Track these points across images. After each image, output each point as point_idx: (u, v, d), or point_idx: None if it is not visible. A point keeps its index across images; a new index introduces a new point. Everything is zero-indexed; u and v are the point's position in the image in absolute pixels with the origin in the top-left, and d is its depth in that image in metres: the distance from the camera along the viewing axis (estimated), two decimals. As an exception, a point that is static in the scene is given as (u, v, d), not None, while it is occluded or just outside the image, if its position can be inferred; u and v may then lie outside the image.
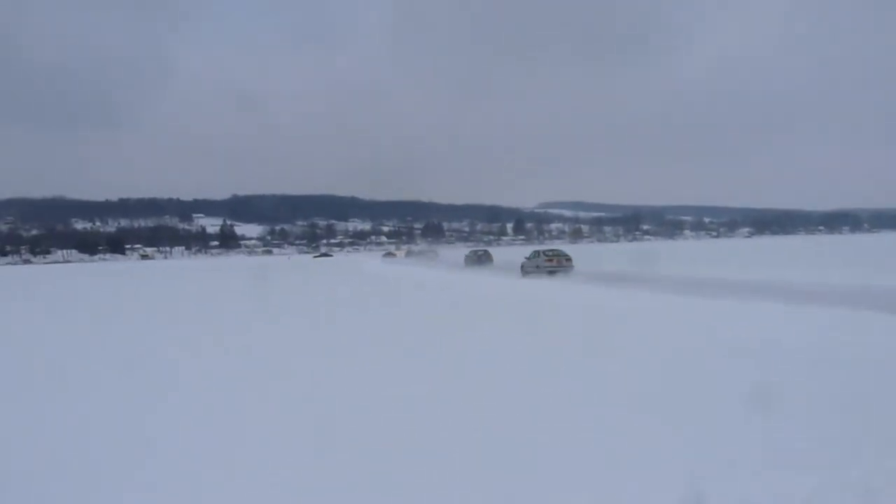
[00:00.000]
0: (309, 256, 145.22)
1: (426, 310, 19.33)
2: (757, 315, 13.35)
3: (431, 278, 36.98)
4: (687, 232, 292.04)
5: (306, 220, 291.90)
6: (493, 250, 55.06)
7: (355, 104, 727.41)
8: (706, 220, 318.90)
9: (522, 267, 34.12)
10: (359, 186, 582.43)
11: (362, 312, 19.02)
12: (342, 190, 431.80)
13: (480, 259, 48.55)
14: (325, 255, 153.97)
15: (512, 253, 66.22)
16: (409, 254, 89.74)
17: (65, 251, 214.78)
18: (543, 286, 25.19)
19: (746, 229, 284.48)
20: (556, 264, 31.84)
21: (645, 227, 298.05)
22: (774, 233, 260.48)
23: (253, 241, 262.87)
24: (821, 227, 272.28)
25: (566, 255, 32.94)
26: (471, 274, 38.16)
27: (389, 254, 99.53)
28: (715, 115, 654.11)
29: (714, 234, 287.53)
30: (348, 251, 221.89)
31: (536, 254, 33.98)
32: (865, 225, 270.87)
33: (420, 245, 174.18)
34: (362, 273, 48.36)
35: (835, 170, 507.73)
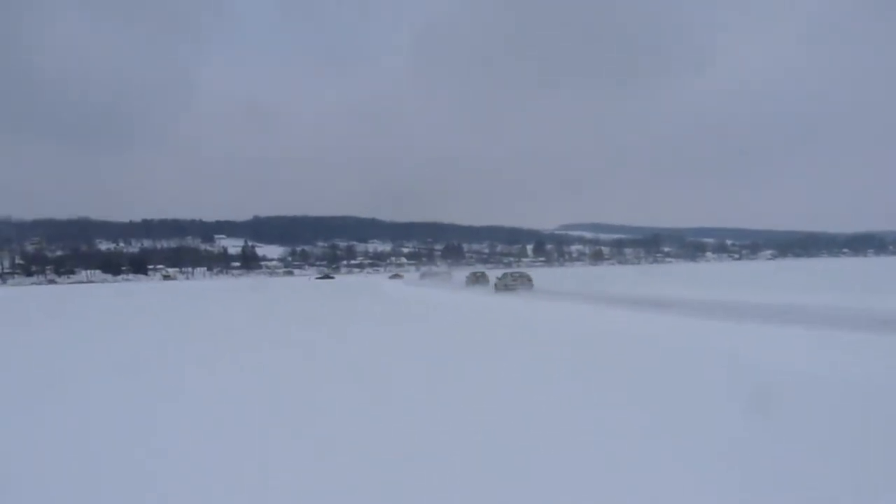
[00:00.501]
0: (332, 279, 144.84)
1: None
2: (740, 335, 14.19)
3: (427, 297, 42.87)
4: (709, 254, 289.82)
5: (327, 241, 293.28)
6: (510, 272, 57.89)
7: (376, 125, 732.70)
8: (728, 242, 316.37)
9: (495, 285, 43.94)
10: (379, 208, 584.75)
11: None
12: (363, 211, 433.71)
13: (478, 279, 58.94)
14: (328, 276, 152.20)
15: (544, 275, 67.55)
16: (424, 275, 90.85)
17: (89, 271, 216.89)
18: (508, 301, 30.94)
19: (769, 252, 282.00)
20: (517, 283, 42.65)
21: (666, 249, 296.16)
22: (798, 255, 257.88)
23: (274, 262, 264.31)
24: (845, 250, 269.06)
25: (527, 276, 44.29)
26: (465, 292, 44.32)
27: (396, 275, 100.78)
28: (736, 135, 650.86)
29: (736, 256, 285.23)
30: (368, 272, 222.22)
31: (505, 275, 44.55)
32: (891, 247, 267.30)
33: (437, 266, 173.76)
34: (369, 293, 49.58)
35: (859, 191, 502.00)
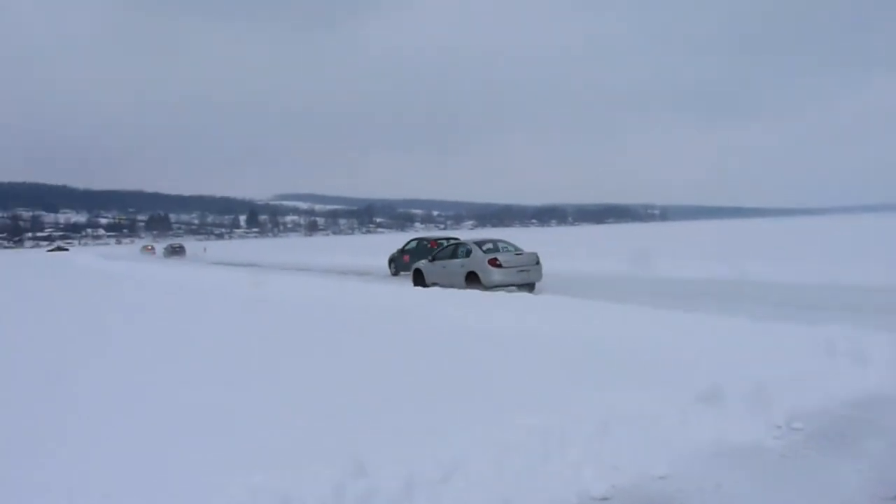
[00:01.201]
0: (16, 253, 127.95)
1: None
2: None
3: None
4: (417, 224, 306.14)
5: (7, 212, 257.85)
6: (224, 243, 58.69)
7: (69, 82, 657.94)
8: (435, 213, 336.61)
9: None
10: (72, 174, 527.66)
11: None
12: (51, 177, 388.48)
13: (175, 251, 63.89)
14: (62, 248, 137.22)
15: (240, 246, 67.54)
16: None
17: None
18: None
19: (471, 222, 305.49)
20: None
21: (378, 219, 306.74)
22: (495, 225, 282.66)
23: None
24: (533, 221, 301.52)
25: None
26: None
27: (147, 248, 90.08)
28: (443, 109, 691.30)
29: (442, 226, 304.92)
30: (59, 245, 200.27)
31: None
32: (570, 218, 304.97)
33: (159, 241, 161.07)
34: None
35: (546, 167, 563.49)
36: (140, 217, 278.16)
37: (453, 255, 18.54)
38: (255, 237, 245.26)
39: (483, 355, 8.08)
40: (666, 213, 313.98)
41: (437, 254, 19.62)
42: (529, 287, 16.99)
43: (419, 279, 19.46)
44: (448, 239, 23.87)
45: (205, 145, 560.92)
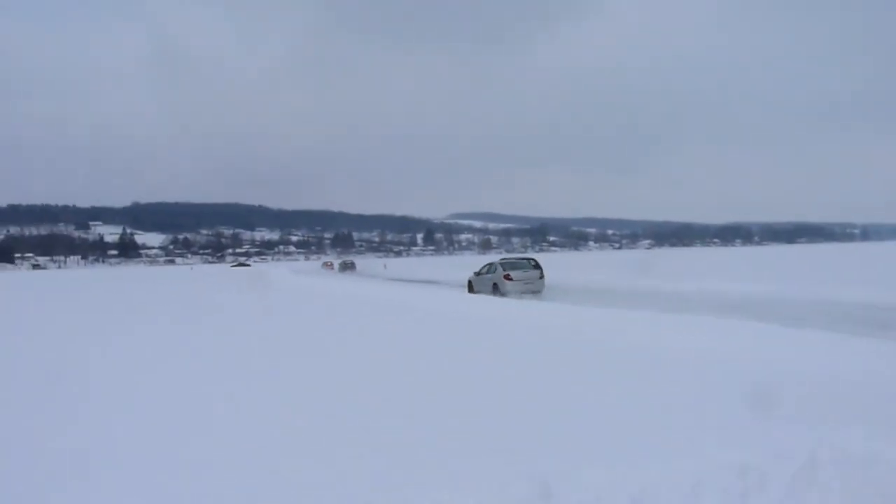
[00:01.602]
0: (216, 267, 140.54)
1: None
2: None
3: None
4: (591, 243, 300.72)
5: (211, 229, 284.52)
6: (401, 261, 61.04)
7: (263, 112, 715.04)
8: (610, 232, 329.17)
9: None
10: (266, 195, 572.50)
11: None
12: (249, 198, 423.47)
13: (347, 267, 67.16)
14: (243, 264, 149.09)
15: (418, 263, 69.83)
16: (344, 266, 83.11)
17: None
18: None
19: (647, 241, 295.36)
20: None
21: (552, 238, 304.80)
22: (673, 245, 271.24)
23: (155, 251, 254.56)
24: (715, 240, 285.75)
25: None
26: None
27: (327, 264, 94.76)
28: (618, 128, 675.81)
29: (617, 245, 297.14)
30: (255, 261, 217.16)
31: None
32: (756, 238, 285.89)
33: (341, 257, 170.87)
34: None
35: (729, 184, 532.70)
36: (326, 235, 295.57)
37: (488, 272, 25.08)
38: (432, 254, 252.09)
39: (668, 380, 7.54)
40: (867, 233, 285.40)
41: (480, 270, 26.22)
42: (535, 294, 22.57)
43: (470, 289, 26.39)
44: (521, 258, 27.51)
45: (385, 167, 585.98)
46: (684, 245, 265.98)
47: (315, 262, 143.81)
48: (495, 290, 23.50)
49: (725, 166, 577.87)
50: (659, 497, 4.04)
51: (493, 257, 40.26)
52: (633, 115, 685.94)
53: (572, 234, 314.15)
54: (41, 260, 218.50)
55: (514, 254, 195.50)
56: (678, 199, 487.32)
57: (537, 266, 24.16)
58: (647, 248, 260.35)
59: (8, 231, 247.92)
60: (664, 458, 4.52)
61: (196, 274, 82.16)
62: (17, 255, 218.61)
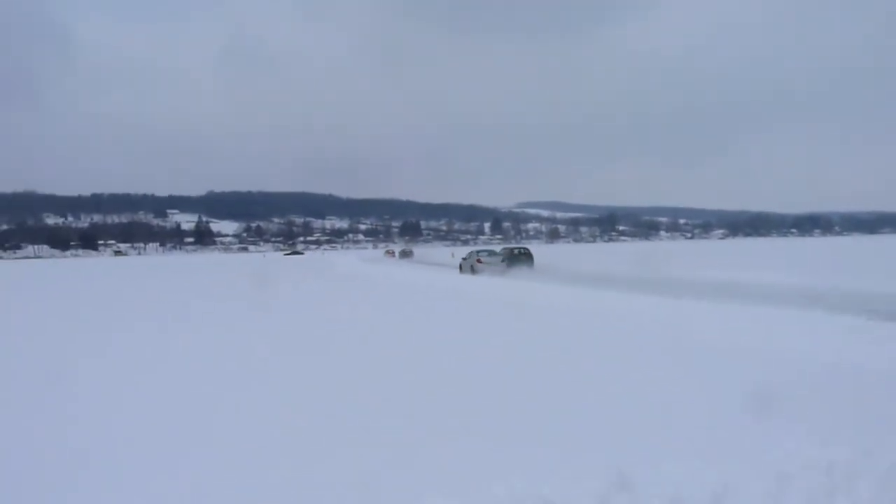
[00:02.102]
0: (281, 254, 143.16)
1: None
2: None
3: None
4: (662, 233, 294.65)
5: (283, 218, 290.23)
6: (468, 249, 58.45)
7: (333, 102, 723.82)
8: (681, 221, 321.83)
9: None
10: (336, 184, 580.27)
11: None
12: (319, 187, 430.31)
13: (406, 254, 65.93)
14: (296, 252, 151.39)
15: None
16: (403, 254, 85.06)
17: (36, 246, 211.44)
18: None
19: (721, 231, 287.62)
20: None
21: (621, 227, 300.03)
22: (748, 235, 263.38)
23: (229, 238, 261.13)
24: (793, 230, 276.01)
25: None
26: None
27: (388, 252, 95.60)
28: (690, 115, 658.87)
29: (689, 235, 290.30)
30: (325, 249, 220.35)
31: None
32: (836, 228, 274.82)
33: (404, 244, 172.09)
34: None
35: (807, 172, 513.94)
36: (394, 223, 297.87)
37: (468, 258, 35.59)
38: (499, 243, 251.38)
39: (751, 374, 7.19)
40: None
41: (466, 255, 37.30)
42: (502, 274, 29.34)
43: (460, 270, 35.71)
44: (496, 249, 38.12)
45: (453, 155, 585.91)
46: (759, 235, 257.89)
47: (381, 250, 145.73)
48: (472, 270, 33.32)
49: (804, 154, 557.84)
50: (741, 493, 3.92)
51: (562, 247, 42.11)
52: (707, 102, 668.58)
53: (642, 224, 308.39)
54: (122, 247, 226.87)
55: (590, 241, 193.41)
56: (753, 188, 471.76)
57: (528, 254, 32.97)
58: (721, 238, 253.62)
59: (92, 219, 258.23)
60: (747, 453, 4.45)
61: (271, 261, 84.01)
62: (101, 242, 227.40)
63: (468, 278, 28.55)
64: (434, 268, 42.85)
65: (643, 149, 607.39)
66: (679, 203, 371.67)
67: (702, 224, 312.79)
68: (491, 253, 35.36)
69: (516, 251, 34.15)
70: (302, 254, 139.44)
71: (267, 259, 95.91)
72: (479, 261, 33.48)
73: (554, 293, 17.54)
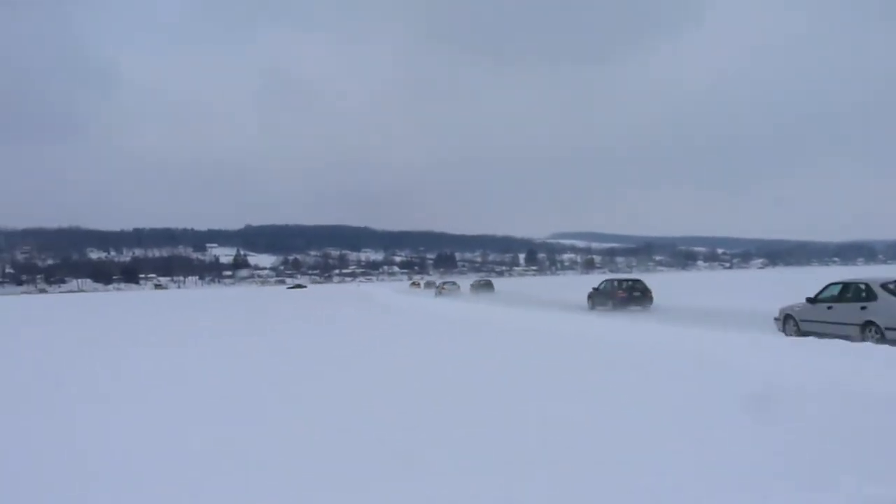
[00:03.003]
0: (324, 287, 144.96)
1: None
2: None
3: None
4: (700, 263, 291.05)
5: (319, 250, 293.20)
6: (504, 280, 58.63)
7: (366, 134, 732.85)
8: (719, 251, 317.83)
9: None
10: (371, 216, 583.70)
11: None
12: (355, 220, 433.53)
13: (430, 285, 65.97)
14: (299, 286, 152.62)
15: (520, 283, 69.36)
16: (427, 285, 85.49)
17: (79, 280, 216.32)
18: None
19: (760, 260, 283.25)
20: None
21: (657, 257, 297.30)
22: (788, 264, 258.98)
23: (266, 271, 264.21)
24: (836, 259, 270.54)
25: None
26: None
27: (414, 284, 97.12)
28: (725, 144, 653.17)
29: (727, 265, 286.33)
30: (360, 281, 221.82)
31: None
32: (880, 256, 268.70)
33: (434, 276, 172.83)
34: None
35: (850, 200, 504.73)
36: (429, 255, 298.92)
37: (431, 285, 58.05)
38: (534, 275, 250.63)
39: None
40: None
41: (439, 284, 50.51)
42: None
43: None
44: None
45: (487, 187, 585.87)
46: (800, 265, 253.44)
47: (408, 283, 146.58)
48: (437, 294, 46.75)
49: (845, 181, 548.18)
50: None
51: (597, 277, 41.59)
52: (743, 130, 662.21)
53: (679, 254, 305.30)
54: (162, 280, 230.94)
55: (627, 272, 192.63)
56: (793, 216, 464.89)
57: (488, 284, 49.59)
58: (760, 268, 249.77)
59: (133, 253, 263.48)
60: (792, 491, 4.44)
61: (308, 293, 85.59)
62: (142, 275, 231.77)
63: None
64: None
65: (679, 177, 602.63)
66: (716, 232, 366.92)
67: (740, 253, 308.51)
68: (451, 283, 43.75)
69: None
70: (305, 287, 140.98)
71: (286, 291, 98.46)
72: (442, 287, 49.47)
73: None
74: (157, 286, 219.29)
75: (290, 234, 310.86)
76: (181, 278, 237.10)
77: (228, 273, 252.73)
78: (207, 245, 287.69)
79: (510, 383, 9.83)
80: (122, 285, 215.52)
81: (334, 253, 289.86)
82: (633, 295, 27.09)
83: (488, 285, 56.79)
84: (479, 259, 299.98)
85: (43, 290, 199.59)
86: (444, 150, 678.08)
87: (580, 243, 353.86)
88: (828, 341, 11.68)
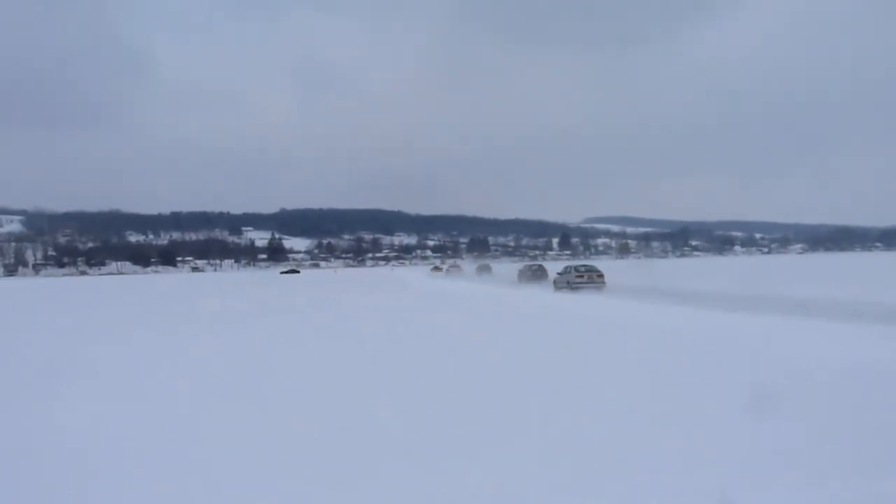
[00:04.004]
0: (357, 270, 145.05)
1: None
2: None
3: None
4: (737, 248, 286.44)
5: (353, 234, 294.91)
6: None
7: (400, 118, 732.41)
8: (757, 236, 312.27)
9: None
10: (405, 200, 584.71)
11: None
12: (388, 204, 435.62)
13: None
14: (293, 270, 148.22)
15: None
16: (451, 268, 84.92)
17: (119, 263, 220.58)
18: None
19: (799, 246, 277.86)
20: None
21: (694, 242, 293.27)
22: (828, 249, 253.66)
23: (301, 255, 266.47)
24: (878, 244, 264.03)
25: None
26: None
27: (436, 268, 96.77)
28: (763, 124, 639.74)
29: (766, 250, 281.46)
30: (393, 265, 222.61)
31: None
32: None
33: (464, 260, 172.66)
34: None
35: (893, 182, 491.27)
36: (461, 239, 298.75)
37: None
38: (567, 259, 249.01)
39: None
40: None
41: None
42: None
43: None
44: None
45: (521, 171, 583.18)
46: (841, 250, 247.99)
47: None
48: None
49: (889, 163, 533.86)
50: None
51: (630, 262, 42.09)
52: (783, 111, 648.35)
53: (716, 239, 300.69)
54: (199, 263, 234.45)
55: (662, 257, 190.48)
56: (833, 201, 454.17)
57: (540, 269, 47.44)
58: (800, 253, 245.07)
59: (171, 237, 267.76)
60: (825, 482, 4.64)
61: (344, 277, 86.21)
62: (179, 258, 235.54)
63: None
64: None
65: (715, 161, 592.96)
66: (754, 217, 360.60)
67: (779, 238, 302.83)
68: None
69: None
70: (298, 272, 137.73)
71: (340, 275, 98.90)
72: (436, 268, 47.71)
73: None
74: (194, 269, 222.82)
75: (325, 217, 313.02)
76: (217, 261, 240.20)
77: (263, 256, 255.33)
78: (243, 228, 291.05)
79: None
80: (160, 268, 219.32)
81: (367, 237, 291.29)
82: (588, 278, 32.87)
83: (540, 270, 49.28)
84: (511, 243, 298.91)
85: (84, 273, 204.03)
86: (477, 134, 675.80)
87: (615, 227, 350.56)
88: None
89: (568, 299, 27.01)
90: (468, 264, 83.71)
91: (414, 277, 55.32)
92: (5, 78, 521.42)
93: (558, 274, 35.87)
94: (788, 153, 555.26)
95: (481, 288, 38.70)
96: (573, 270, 34.16)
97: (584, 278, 32.75)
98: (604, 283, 32.70)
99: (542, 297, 29.88)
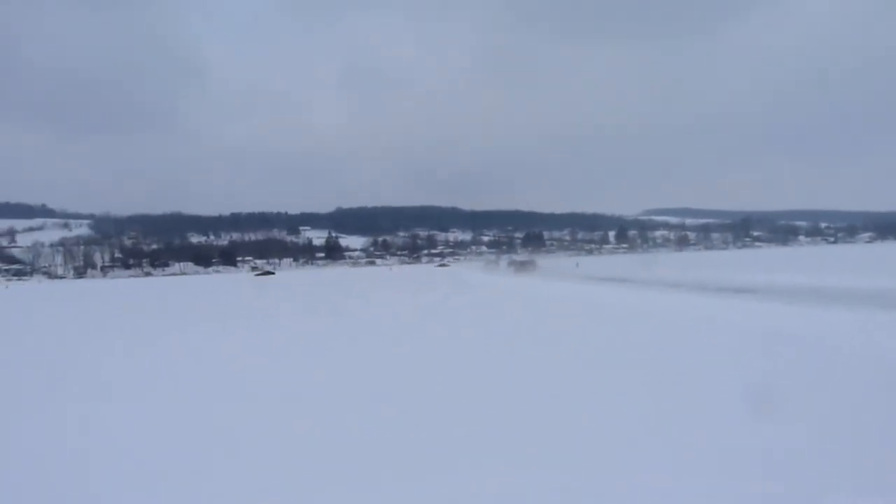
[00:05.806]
0: (413, 267, 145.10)
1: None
2: None
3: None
4: (802, 238, 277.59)
5: (408, 231, 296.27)
6: (594, 259, 59.51)
7: (453, 114, 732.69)
8: (823, 225, 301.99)
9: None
10: (459, 197, 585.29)
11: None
12: (443, 200, 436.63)
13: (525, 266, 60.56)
14: (268, 272, 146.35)
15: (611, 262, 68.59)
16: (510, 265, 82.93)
17: (182, 264, 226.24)
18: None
19: (867, 234, 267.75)
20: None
21: (756, 233, 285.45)
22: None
23: (357, 253, 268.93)
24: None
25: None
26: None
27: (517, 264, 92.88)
28: (827, 111, 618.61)
29: (832, 239, 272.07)
30: (447, 261, 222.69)
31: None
32: None
33: (520, 255, 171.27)
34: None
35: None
36: (517, 234, 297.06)
37: None
38: (624, 252, 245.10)
39: None
40: None
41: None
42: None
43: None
44: None
45: (576, 165, 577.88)
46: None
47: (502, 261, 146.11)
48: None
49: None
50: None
51: (689, 255, 42.18)
52: (847, 96, 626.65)
53: (779, 229, 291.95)
54: (258, 263, 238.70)
55: (722, 248, 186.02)
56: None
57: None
58: (868, 242, 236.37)
59: (231, 237, 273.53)
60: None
61: (399, 274, 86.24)
62: (239, 258, 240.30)
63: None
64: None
65: (777, 149, 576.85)
66: (818, 206, 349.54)
67: (845, 227, 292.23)
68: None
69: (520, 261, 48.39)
70: (273, 273, 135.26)
71: (395, 273, 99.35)
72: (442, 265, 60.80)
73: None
74: (254, 269, 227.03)
75: (380, 215, 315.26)
76: (276, 260, 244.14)
77: (321, 255, 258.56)
78: (300, 228, 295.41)
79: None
80: (221, 268, 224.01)
81: (422, 234, 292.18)
82: (524, 267, 56.36)
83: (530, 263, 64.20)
84: (567, 237, 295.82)
85: (148, 273, 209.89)
86: (532, 129, 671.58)
87: (673, 219, 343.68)
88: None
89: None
90: (521, 259, 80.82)
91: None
92: (75, 90, 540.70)
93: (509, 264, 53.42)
94: (853, 137, 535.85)
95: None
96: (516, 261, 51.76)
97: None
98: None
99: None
